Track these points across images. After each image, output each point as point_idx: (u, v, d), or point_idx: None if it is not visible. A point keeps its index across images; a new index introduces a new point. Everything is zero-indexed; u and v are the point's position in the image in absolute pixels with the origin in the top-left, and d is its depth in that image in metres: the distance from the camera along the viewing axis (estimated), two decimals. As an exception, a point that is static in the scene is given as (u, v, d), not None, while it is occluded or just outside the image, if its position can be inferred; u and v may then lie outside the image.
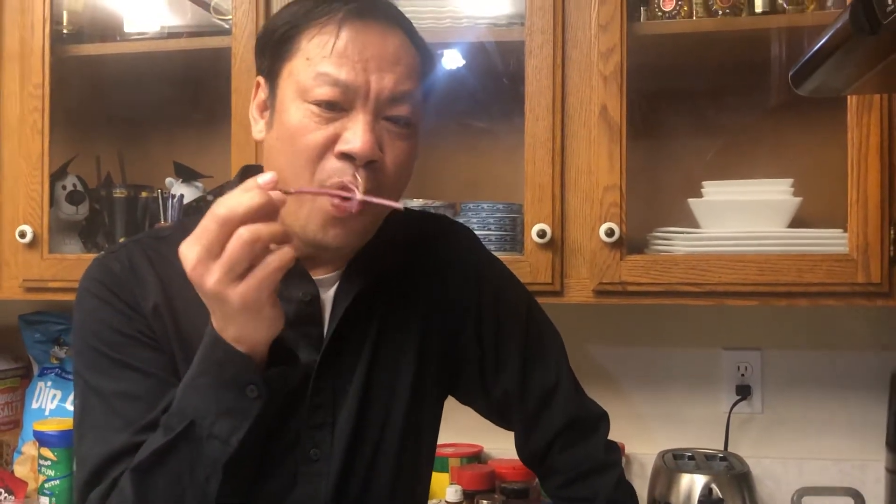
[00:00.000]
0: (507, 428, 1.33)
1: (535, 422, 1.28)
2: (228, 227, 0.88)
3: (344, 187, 1.02)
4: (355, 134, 1.03)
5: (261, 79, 1.13)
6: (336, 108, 1.04)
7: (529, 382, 1.27)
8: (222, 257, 0.89)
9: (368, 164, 1.04)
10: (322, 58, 1.03)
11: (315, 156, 1.04)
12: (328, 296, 1.15)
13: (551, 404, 1.27)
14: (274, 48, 1.09)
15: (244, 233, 0.88)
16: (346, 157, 1.03)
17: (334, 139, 1.03)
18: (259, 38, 1.14)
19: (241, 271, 0.89)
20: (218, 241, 0.88)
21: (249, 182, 0.91)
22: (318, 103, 1.03)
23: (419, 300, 1.22)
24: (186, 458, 0.98)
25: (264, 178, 0.91)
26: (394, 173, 1.08)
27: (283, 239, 0.90)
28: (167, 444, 0.98)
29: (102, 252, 1.19)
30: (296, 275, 1.08)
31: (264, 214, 0.89)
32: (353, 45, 1.04)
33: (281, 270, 0.90)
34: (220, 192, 1.83)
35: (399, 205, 1.00)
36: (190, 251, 0.90)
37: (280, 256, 0.90)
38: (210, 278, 0.89)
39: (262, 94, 1.12)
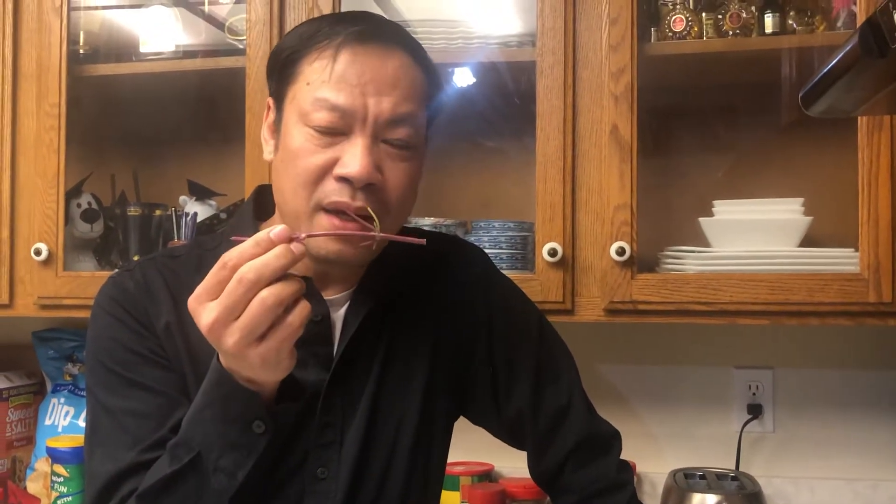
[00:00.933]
0: (520, 448, 1.33)
1: (547, 441, 1.28)
2: (254, 291, 0.88)
3: (363, 227, 1.03)
4: (353, 157, 1.03)
5: (270, 100, 1.14)
6: (335, 132, 1.05)
7: (542, 402, 1.27)
8: (243, 320, 0.88)
9: (367, 187, 1.04)
10: (321, 82, 1.05)
11: (313, 179, 1.05)
12: (338, 315, 1.16)
13: (564, 424, 1.27)
14: (280, 71, 1.10)
15: (269, 298, 0.88)
16: (344, 180, 1.04)
17: (333, 162, 1.04)
18: (268, 61, 1.15)
19: (260, 333, 0.89)
20: (241, 303, 0.88)
21: (261, 236, 0.90)
22: (318, 128, 1.04)
23: (430, 319, 1.23)
24: (193, 488, 0.99)
25: (276, 230, 0.90)
26: (396, 195, 1.08)
27: (301, 293, 0.91)
28: (174, 474, 0.99)
29: (117, 270, 1.20)
30: (306, 295, 1.09)
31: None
32: (350, 70, 1.05)
33: (301, 328, 0.91)
34: (233, 210, 1.85)
35: (422, 240, 0.99)
36: (206, 310, 0.90)
37: (300, 314, 0.91)
38: (229, 339, 0.89)
39: (272, 115, 1.13)
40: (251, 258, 0.89)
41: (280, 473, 1.11)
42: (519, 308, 1.31)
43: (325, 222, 1.05)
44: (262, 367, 0.92)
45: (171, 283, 1.14)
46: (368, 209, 1.04)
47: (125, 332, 1.11)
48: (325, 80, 1.04)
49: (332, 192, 1.04)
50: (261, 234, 0.90)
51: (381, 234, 1.01)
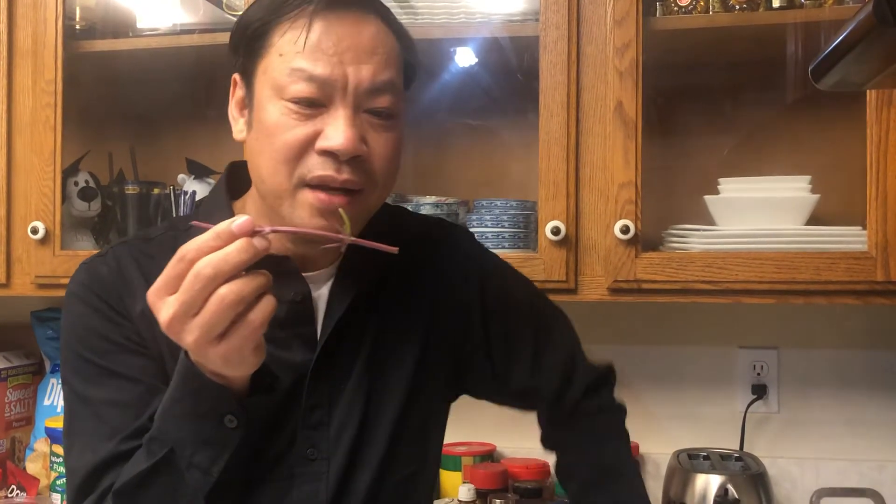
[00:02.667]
0: (532, 410, 1.34)
1: (554, 403, 1.29)
2: (212, 287, 0.83)
3: (333, 229, 0.98)
4: (336, 130, 0.99)
5: (237, 76, 1.10)
6: (314, 104, 1.01)
7: (543, 373, 1.26)
8: (201, 318, 0.84)
9: (352, 159, 1.01)
10: (295, 53, 1.00)
11: (294, 154, 1.01)
12: (320, 293, 1.12)
13: (568, 387, 1.28)
14: (247, 45, 1.06)
15: (228, 295, 0.83)
16: (327, 153, 1.00)
17: (314, 136, 1.00)
18: (232, 34, 1.10)
19: (220, 331, 0.85)
20: (199, 299, 0.83)
21: (222, 228, 0.84)
22: (296, 100, 1.00)
23: (420, 300, 1.20)
24: (168, 484, 0.96)
25: (239, 221, 0.85)
26: (380, 166, 1.05)
27: (265, 289, 0.86)
28: (148, 470, 0.96)
29: (91, 256, 1.16)
30: (286, 274, 1.06)
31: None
32: (326, 38, 1.00)
33: (264, 325, 0.86)
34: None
35: (394, 249, 0.94)
36: (164, 305, 0.85)
37: (262, 311, 0.86)
38: (188, 337, 0.85)
39: (240, 91, 1.09)
40: (210, 251, 0.84)
41: (269, 455, 1.08)
42: (511, 284, 1.29)
43: (310, 198, 1.01)
44: (225, 365, 0.89)
45: (146, 267, 1.09)
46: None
47: (100, 320, 1.07)
48: (300, 51, 1.00)
49: (316, 166, 1.00)
50: (222, 226, 0.85)
51: (350, 238, 0.95)
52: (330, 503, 1.10)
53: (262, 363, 0.92)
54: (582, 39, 1.61)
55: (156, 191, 1.93)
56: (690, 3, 1.63)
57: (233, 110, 1.10)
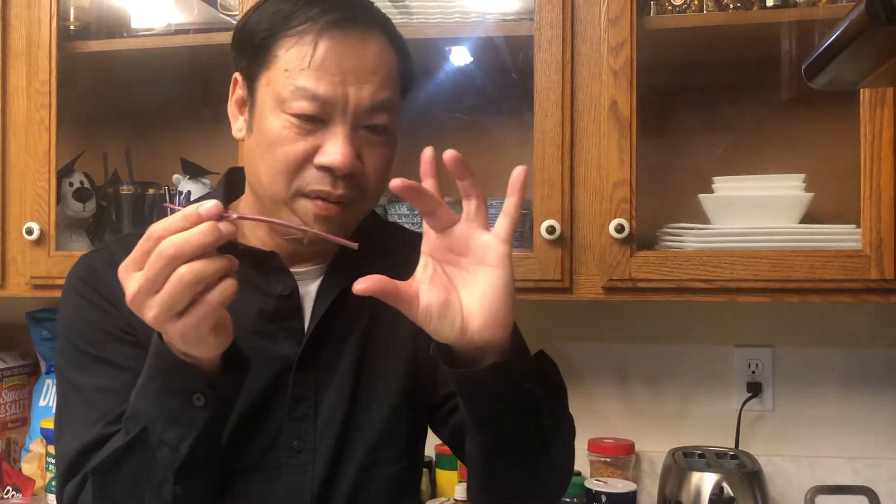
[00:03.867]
0: None
1: None
2: (174, 266, 0.85)
3: (300, 222, 1.05)
4: (335, 147, 1.04)
5: (238, 76, 1.13)
6: (315, 120, 1.05)
7: None
8: (161, 295, 0.86)
9: (348, 175, 1.05)
10: (300, 70, 1.04)
11: (294, 167, 1.06)
12: (309, 290, 1.16)
13: None
14: (253, 52, 1.09)
15: (187, 275, 0.85)
16: (325, 168, 1.05)
17: (313, 151, 1.05)
18: (236, 36, 1.13)
19: (180, 309, 0.87)
20: (161, 277, 0.85)
21: (190, 210, 0.86)
22: (297, 116, 1.04)
23: None
24: (143, 461, 0.98)
25: (207, 205, 0.86)
26: (373, 179, 1.10)
27: (228, 272, 0.88)
28: (124, 448, 0.98)
29: (89, 251, 1.20)
30: (275, 270, 1.11)
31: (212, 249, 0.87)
32: (330, 58, 1.04)
33: (222, 305, 0.88)
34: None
35: (354, 244, 0.98)
36: (130, 279, 0.88)
37: (221, 292, 0.87)
38: (149, 313, 0.87)
39: (241, 91, 1.13)
40: (176, 232, 0.86)
41: (257, 445, 1.11)
42: None
43: (309, 206, 1.06)
44: (182, 342, 0.90)
45: None
46: (332, 184, 1.06)
47: (93, 311, 1.12)
48: (304, 69, 1.04)
49: (314, 180, 1.05)
50: (190, 209, 0.87)
51: (313, 231, 1.01)
52: (317, 495, 1.12)
53: (233, 345, 0.94)
54: (576, 39, 1.62)
55: (151, 191, 1.93)
56: (685, 3, 1.64)
57: (232, 108, 1.14)
